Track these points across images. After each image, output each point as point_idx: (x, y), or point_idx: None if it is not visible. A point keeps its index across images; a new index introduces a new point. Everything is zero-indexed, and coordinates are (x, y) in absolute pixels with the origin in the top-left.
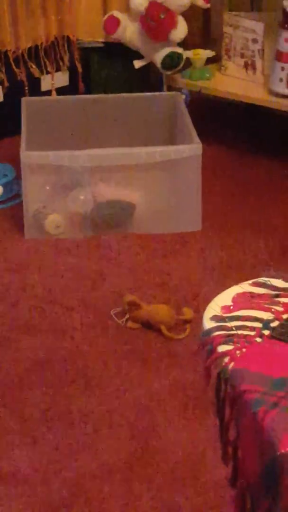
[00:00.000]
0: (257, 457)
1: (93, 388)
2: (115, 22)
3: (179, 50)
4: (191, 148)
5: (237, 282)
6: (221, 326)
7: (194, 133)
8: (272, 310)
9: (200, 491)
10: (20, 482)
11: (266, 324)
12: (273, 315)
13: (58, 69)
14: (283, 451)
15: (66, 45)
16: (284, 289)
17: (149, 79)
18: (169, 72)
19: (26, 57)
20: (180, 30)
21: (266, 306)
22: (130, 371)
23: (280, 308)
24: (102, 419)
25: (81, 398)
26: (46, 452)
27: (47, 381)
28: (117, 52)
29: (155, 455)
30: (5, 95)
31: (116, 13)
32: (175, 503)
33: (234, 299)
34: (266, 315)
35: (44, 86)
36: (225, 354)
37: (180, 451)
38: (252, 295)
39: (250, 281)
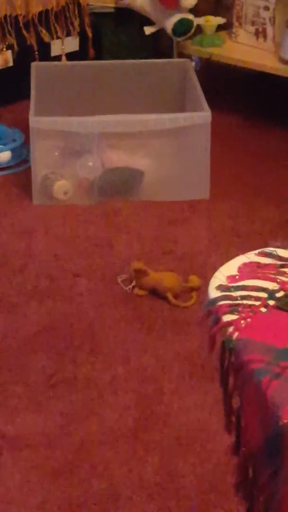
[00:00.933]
0: (259, 426)
1: (99, 354)
2: None
3: (190, 16)
4: (201, 116)
5: (244, 251)
6: (227, 295)
7: (203, 100)
8: (278, 280)
9: (203, 458)
10: (25, 447)
11: (271, 294)
12: (278, 285)
13: (68, 34)
14: (285, 420)
15: (76, 10)
16: None
17: (160, 46)
18: (179, 39)
19: (36, 21)
20: None
21: (272, 276)
22: (136, 338)
23: (285, 279)
24: (107, 385)
25: (87, 364)
26: (50, 417)
27: (53, 347)
28: (127, 18)
29: (160, 422)
30: (15, 60)
31: None
32: (178, 470)
33: (240, 269)
34: (271, 285)
35: (54, 51)
36: (229, 323)
37: (184, 418)
38: (258, 265)
39: (256, 251)
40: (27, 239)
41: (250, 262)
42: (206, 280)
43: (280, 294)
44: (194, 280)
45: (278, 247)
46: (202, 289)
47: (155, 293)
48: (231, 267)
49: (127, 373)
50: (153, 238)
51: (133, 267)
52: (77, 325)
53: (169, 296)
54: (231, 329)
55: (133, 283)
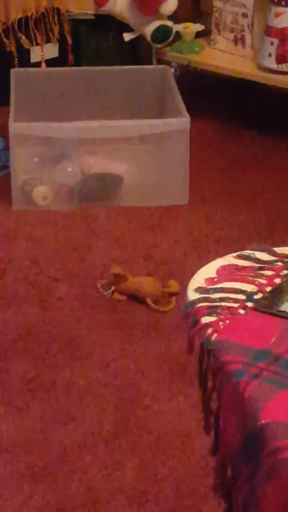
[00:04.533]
0: (238, 427)
1: (78, 359)
2: None
3: (169, 23)
4: (179, 122)
5: (222, 255)
6: (205, 297)
7: (182, 106)
8: (256, 282)
9: (182, 461)
10: (3, 451)
11: (249, 296)
12: (256, 288)
13: (48, 41)
14: (263, 421)
15: (56, 17)
16: (268, 262)
17: (139, 52)
18: (158, 45)
19: (16, 28)
20: (170, 3)
21: (250, 278)
22: (115, 343)
23: (263, 281)
24: (86, 390)
25: (66, 368)
26: (30, 421)
27: (32, 352)
28: (107, 25)
29: (139, 426)
30: None
31: None
32: (157, 473)
33: (218, 271)
34: (249, 287)
35: (34, 58)
36: (208, 325)
37: (163, 422)
38: (236, 267)
39: (235, 254)
40: (6, 244)
41: (229, 265)
42: (185, 285)
43: (258, 296)
44: (173, 285)
45: (256, 250)
46: (181, 294)
47: (134, 298)
48: (209, 270)
49: (106, 378)
50: (132, 244)
51: (112, 272)
52: (56, 330)
53: (148, 301)
54: (209, 330)
55: (112, 288)
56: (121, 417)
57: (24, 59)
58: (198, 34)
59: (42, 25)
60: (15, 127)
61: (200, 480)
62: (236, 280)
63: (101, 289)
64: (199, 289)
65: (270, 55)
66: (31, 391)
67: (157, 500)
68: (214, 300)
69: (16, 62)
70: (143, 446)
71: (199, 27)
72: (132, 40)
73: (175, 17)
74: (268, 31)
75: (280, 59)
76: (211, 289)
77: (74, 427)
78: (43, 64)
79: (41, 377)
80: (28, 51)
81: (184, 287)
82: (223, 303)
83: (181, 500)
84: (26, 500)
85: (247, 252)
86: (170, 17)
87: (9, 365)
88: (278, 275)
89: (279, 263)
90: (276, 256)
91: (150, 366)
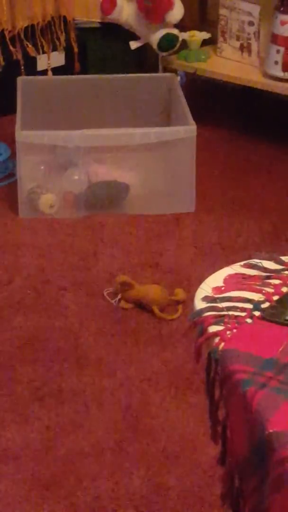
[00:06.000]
0: (245, 436)
1: (85, 367)
2: (112, 2)
3: (175, 31)
4: (186, 130)
5: (229, 264)
6: (212, 306)
7: (189, 114)
8: (263, 291)
9: (190, 470)
10: (10, 460)
11: (256, 305)
12: (263, 297)
13: (54, 49)
14: (271, 430)
15: (62, 25)
16: (275, 271)
17: (145, 60)
18: (165, 54)
19: (22, 36)
20: (177, 11)
21: (257, 287)
22: (122, 351)
23: (270, 290)
24: (93, 398)
25: (73, 377)
26: (37, 430)
27: (39, 360)
28: (113, 33)
29: (146, 435)
30: (1, 74)
31: None
32: (164, 482)
33: (225, 280)
34: (257, 297)
35: (40, 66)
36: (215, 334)
37: (170, 431)
38: (243, 276)
39: (242, 263)
40: (12, 253)
41: (236, 274)
42: (191, 293)
43: (265, 305)
44: (180, 293)
45: (263, 258)
46: (188, 302)
47: (141, 306)
48: (216, 279)
49: (113, 386)
50: (138, 252)
51: (119, 280)
52: (63, 338)
53: (155, 309)
54: (217, 339)
55: (119, 296)
56: (128, 425)
57: (31, 67)
58: (205, 42)
59: (49, 33)
60: (21, 135)
61: (208, 489)
62: (243, 289)
63: (107, 297)
64: (206, 298)
65: (276, 63)
66: (38, 399)
67: (164, 509)
68: (221, 309)
69: (22, 70)
70: (150, 454)
71: (205, 35)
72: (138, 48)
73: (181, 25)
74: (274, 39)
75: (286, 67)
76: (218, 298)
77: (81, 435)
78: (50, 72)
79: (47, 385)
80: (35, 59)
81: (191, 295)
82: (230, 312)
83: (188, 509)
84: (33, 509)
85: (254, 261)
86: (176, 25)
87: (16, 373)
88: (285, 284)
89: (286, 272)
90: (283, 265)
91: (157, 374)
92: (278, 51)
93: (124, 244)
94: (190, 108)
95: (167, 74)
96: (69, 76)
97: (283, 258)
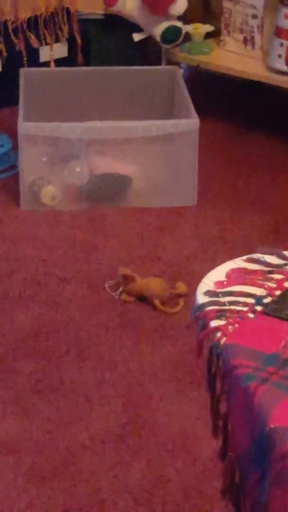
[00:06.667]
0: (246, 431)
1: (86, 360)
2: None
3: (179, 24)
4: (188, 123)
5: (231, 257)
6: (214, 301)
7: (191, 107)
8: (265, 286)
9: (190, 463)
10: (11, 452)
11: (259, 300)
12: (266, 291)
13: (57, 40)
14: (272, 425)
15: (65, 16)
16: (277, 266)
17: (148, 53)
18: (168, 46)
19: (25, 27)
20: (180, 4)
21: (259, 282)
22: (123, 344)
23: (273, 284)
24: (94, 391)
25: (73, 369)
26: (37, 422)
27: (40, 352)
28: (116, 25)
29: (146, 427)
30: (3, 66)
31: None
32: (165, 475)
33: (227, 275)
34: (259, 291)
35: (43, 57)
36: (217, 329)
37: (171, 424)
38: (245, 271)
39: (244, 257)
40: (14, 245)
41: (238, 268)
42: (193, 286)
43: (267, 300)
44: (181, 287)
45: (266, 253)
46: (189, 295)
47: (142, 299)
48: (219, 273)
49: (114, 379)
50: (140, 245)
51: (121, 273)
52: (64, 331)
53: (156, 302)
54: (218, 334)
55: (120, 289)
56: (128, 418)
57: (33, 59)
58: (208, 35)
59: (52, 25)
60: (24, 127)
61: (207, 482)
62: (246, 284)
63: (109, 290)
64: (208, 293)
65: (280, 56)
66: (39, 392)
67: (164, 502)
68: (223, 304)
69: (25, 62)
70: (151, 447)
71: (208, 28)
72: (141, 41)
73: (184, 17)
74: (278, 32)
75: None
76: (220, 292)
77: (81, 428)
78: (52, 64)
79: (48, 377)
80: (37, 50)
81: (192, 289)
82: (232, 307)
83: (188, 502)
84: (32, 501)
85: (256, 255)
86: (179, 18)
87: (17, 365)
88: (287, 279)
89: None
90: (286, 260)
91: (157, 367)
92: (281, 45)
93: (126, 237)
94: (192, 101)
95: (170, 67)
96: (72, 68)
97: (285, 252)
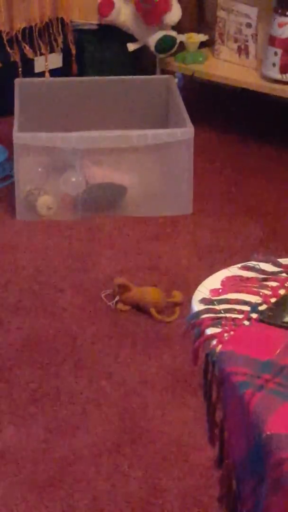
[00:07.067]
0: (243, 438)
1: (82, 369)
2: (110, 4)
3: (173, 33)
4: (183, 132)
5: (227, 265)
6: (210, 309)
7: (186, 116)
8: (261, 293)
9: (187, 472)
10: (8, 461)
11: (254, 307)
12: (261, 299)
13: (51, 51)
14: (268, 432)
15: (60, 27)
16: (272, 273)
17: (143, 62)
18: (162, 56)
19: (20, 38)
20: (174, 13)
21: (255, 289)
22: (120, 353)
23: (268, 292)
24: (90, 400)
25: (70, 378)
26: (34, 432)
27: (37, 362)
28: (111, 35)
29: (143, 436)
30: None
31: None
32: (162, 484)
33: (223, 283)
34: (254, 299)
35: (38, 68)
36: (213, 336)
37: (168, 433)
38: (241, 278)
39: (239, 265)
40: (10, 254)
41: (233, 276)
42: (189, 295)
43: (262, 307)
44: (177, 295)
45: (261, 261)
46: (185, 304)
47: (139, 308)
48: (214, 281)
49: (111, 388)
50: (136, 254)
51: (116, 282)
52: (60, 340)
53: (152, 311)
54: (214, 342)
55: (116, 298)
56: (125, 427)
57: (28, 69)
58: (202, 44)
59: (46, 35)
60: (19, 137)
61: (205, 491)
62: (241, 291)
63: (105, 299)
64: (203, 300)
65: (274, 65)
66: (36, 401)
67: (161, 511)
68: (219, 311)
69: (20, 72)
70: (148, 456)
71: (203, 37)
72: (136, 50)
73: (179, 27)
74: (272, 41)
75: (284, 69)
76: (215, 300)
77: (78, 437)
78: (47, 74)
79: (45, 386)
80: (32, 61)
81: (188, 297)
82: (227, 315)
83: (185, 510)
84: (30, 511)
85: (251, 263)
86: (174, 27)
87: (14, 374)
88: (282, 286)
89: (284, 274)
90: (281, 267)
91: (154, 376)
92: (275, 53)
93: (122, 246)
94: (187, 110)
95: (165, 76)
96: (67, 78)
97: (280, 260)
